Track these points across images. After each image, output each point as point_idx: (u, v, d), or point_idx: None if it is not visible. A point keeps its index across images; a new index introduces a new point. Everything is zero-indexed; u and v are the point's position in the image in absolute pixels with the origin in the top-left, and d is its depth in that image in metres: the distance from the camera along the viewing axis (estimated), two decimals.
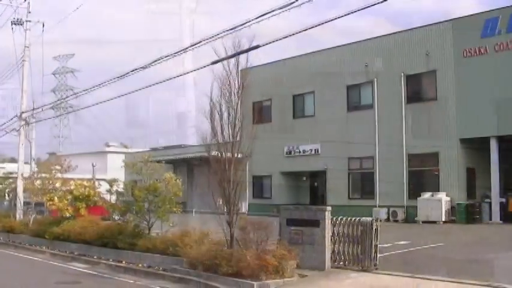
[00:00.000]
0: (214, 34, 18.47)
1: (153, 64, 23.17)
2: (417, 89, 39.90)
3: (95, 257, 22.05)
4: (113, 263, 20.68)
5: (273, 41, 18.28)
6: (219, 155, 16.50)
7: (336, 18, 16.79)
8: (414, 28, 40.58)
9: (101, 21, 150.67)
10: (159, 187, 21.29)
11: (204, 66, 19.16)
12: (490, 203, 36.08)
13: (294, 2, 16.17)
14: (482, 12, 37.62)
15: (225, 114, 16.63)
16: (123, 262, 20.23)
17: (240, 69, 16.68)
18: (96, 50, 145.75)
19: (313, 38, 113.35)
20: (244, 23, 17.58)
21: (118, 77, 25.79)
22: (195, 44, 20.25)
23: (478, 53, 36.45)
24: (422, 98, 39.53)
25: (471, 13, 39.35)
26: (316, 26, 17.51)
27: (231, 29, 17.86)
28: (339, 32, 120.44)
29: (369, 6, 15.67)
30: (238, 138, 16.63)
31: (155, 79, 24.70)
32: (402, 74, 39.87)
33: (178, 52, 21.52)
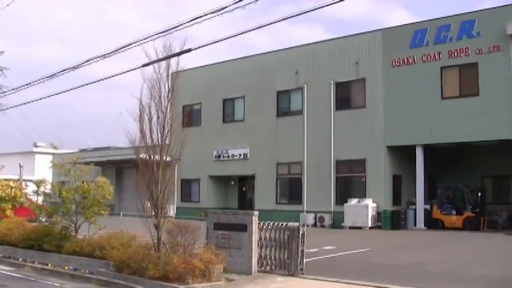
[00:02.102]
0: (146, 36, 18.38)
1: (83, 65, 22.89)
2: (346, 97, 40.34)
3: (20, 260, 21.67)
4: (38, 265, 20.35)
5: (205, 45, 18.28)
6: (148, 157, 16.42)
7: (268, 24, 16.91)
8: (345, 36, 41.06)
9: (35, 19, 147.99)
10: (88, 189, 21.06)
11: (135, 69, 19.03)
12: (415, 210, 36.80)
13: (226, 7, 16.20)
14: (411, 23, 38.49)
15: (155, 117, 16.57)
16: (49, 265, 19.93)
17: (170, 72, 16.64)
18: (29, 48, 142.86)
19: (251, 43, 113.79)
20: (176, 26, 17.54)
21: (48, 77, 25.38)
22: (126, 46, 20.09)
23: (406, 62, 37.19)
24: (351, 105, 40.01)
25: (401, 24, 40.12)
26: (247, 31, 17.60)
27: (163, 32, 17.80)
28: (275, 38, 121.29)
29: (302, 13, 15.82)
30: (167, 141, 16.58)
31: (86, 79, 24.49)
32: (332, 81, 40.31)
33: (109, 53, 21.31)
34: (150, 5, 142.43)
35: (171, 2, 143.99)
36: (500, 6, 35.01)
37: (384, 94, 38.01)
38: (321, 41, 42.58)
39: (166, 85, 16.54)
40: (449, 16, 36.27)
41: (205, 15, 16.83)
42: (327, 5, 15.26)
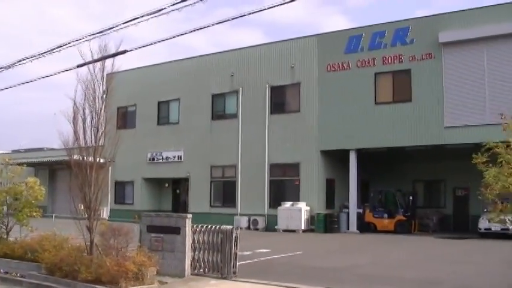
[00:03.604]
0: (82, 36, 18.19)
1: (17, 64, 22.54)
2: (281, 101, 40.58)
3: None
4: None
5: (141, 47, 18.25)
6: (81, 159, 16.23)
7: (206, 27, 16.93)
8: (281, 41, 41.32)
9: None
10: (20, 190, 20.72)
11: (70, 69, 18.84)
12: (348, 213, 37.23)
13: (162, 9, 16.17)
14: (346, 29, 38.93)
15: (88, 118, 16.36)
16: None
17: (105, 73, 16.49)
18: None
19: (189, 45, 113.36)
20: (112, 27, 17.42)
21: None
22: (62, 46, 19.87)
23: (341, 68, 37.60)
24: (285, 109, 40.25)
25: (336, 29, 40.58)
26: (183, 34, 17.58)
27: (99, 32, 17.65)
28: (215, 41, 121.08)
29: (239, 16, 15.88)
30: (101, 143, 16.42)
31: (22, 79, 24.10)
32: (267, 85, 40.49)
33: (44, 53, 21.04)
34: (91, 6, 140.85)
35: (113, 2, 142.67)
36: (433, 15, 35.77)
37: (318, 98, 38.35)
38: (257, 45, 42.73)
39: (101, 86, 16.37)
40: (384, 23, 36.86)
41: (142, 16, 16.78)
42: (265, 9, 15.37)
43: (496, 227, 28.57)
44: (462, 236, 33.63)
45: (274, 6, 15.05)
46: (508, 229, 9.50)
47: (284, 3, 14.89)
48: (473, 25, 33.61)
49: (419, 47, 35.11)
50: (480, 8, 34.18)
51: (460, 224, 39.15)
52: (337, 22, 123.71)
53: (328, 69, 38.14)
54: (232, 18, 16.48)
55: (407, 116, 35.22)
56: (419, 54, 35.06)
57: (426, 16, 36.41)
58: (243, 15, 16.08)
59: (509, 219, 10.17)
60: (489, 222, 27.20)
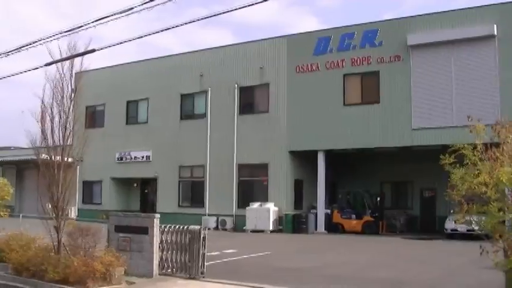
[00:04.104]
0: (51, 34, 18.08)
1: None
2: (250, 101, 40.65)
3: None
4: None
5: (110, 46, 18.16)
6: (49, 158, 16.13)
7: (175, 26, 16.91)
8: (250, 41, 41.42)
9: None
10: None
11: (38, 67, 18.71)
12: (316, 214, 37.35)
13: (132, 8, 16.12)
14: (315, 31, 39.10)
15: (57, 117, 16.26)
16: None
17: (74, 72, 16.39)
18: None
19: (160, 45, 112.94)
20: (81, 26, 17.33)
21: None
22: (31, 44, 19.73)
23: (310, 69, 37.75)
24: (254, 110, 40.32)
25: (306, 31, 40.74)
26: (153, 33, 17.55)
27: (68, 31, 17.55)
28: (185, 41, 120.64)
29: (210, 16, 15.89)
30: (69, 142, 16.32)
31: None
32: (236, 85, 40.50)
33: (12, 51, 20.89)
34: (63, 5, 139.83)
35: (85, 1, 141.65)
36: (401, 18, 36.19)
37: (287, 99, 38.46)
38: (227, 45, 42.75)
39: (70, 85, 16.28)
40: (353, 25, 37.12)
41: (112, 15, 16.72)
42: (235, 9, 15.39)
43: (462, 228, 28.81)
44: (429, 237, 33.89)
45: (245, 7, 15.07)
46: (473, 230, 9.65)
47: (255, 4, 14.92)
48: (441, 28, 33.97)
49: (387, 49, 35.36)
50: (447, 11, 34.60)
51: (427, 225, 39.43)
52: (307, 23, 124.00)
53: (297, 70, 38.26)
54: (202, 18, 16.50)
55: (375, 118, 35.46)
56: (387, 56, 35.32)
57: (395, 19, 36.77)
58: (213, 15, 16.11)
59: (474, 220, 10.30)
60: (455, 223, 27.51)
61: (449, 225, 32.32)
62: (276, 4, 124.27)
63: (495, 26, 32.34)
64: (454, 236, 31.84)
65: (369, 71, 35.99)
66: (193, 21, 16.76)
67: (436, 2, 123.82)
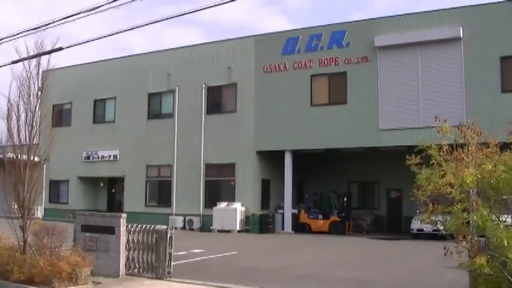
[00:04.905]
0: (18, 32, 17.93)
1: None
2: (218, 101, 40.63)
3: None
4: None
5: (77, 44, 18.06)
6: (15, 157, 16.01)
7: (142, 25, 16.87)
8: (218, 41, 41.39)
9: None
10: None
11: (4, 65, 18.56)
12: (283, 214, 37.45)
13: (100, 7, 16.05)
14: (284, 31, 39.17)
15: (23, 116, 16.15)
16: None
17: (41, 70, 16.29)
18: None
19: (129, 44, 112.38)
20: (48, 24, 17.22)
21: None
22: None
23: (277, 69, 37.83)
24: (222, 109, 40.30)
25: (274, 31, 40.86)
26: (121, 31, 17.49)
27: (35, 29, 17.43)
28: (154, 39, 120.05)
29: (179, 15, 15.86)
30: (35, 141, 16.21)
31: None
32: (204, 84, 40.46)
33: None
34: (30, 1, 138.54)
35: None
36: (369, 19, 36.36)
37: (254, 99, 38.52)
38: (194, 45, 42.70)
39: (36, 83, 16.18)
40: (321, 26, 37.29)
41: (79, 13, 16.63)
42: (204, 8, 15.39)
43: (428, 228, 29.00)
44: (395, 237, 34.13)
45: (215, 6, 15.08)
46: (439, 230, 9.74)
47: (223, 3, 14.93)
48: (408, 30, 34.32)
49: (355, 50, 35.58)
50: (415, 13, 34.88)
51: (394, 225, 39.69)
52: (277, 23, 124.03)
53: (265, 70, 38.34)
54: (171, 17, 16.48)
55: (342, 118, 35.67)
56: (355, 57, 35.53)
57: (362, 20, 37.00)
58: (181, 14, 16.08)
59: (439, 221, 10.39)
60: (421, 223, 27.70)
61: (415, 225, 32.56)
62: (247, 4, 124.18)
63: (461, 28, 32.71)
64: (420, 236, 32.07)
65: (336, 72, 36.17)
66: (161, 20, 16.73)
67: (404, 4, 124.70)
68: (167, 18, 16.50)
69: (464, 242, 9.83)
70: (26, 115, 16.13)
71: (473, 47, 32.52)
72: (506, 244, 8.74)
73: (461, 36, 32.68)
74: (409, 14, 35.05)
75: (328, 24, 37.11)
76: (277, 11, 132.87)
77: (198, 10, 15.60)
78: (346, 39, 35.91)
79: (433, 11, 34.46)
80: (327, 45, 36.46)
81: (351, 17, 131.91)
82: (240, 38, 40.41)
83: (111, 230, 16.48)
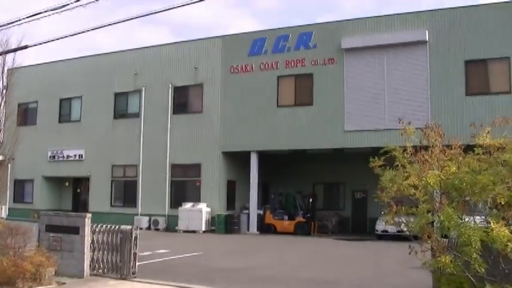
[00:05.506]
0: None
1: None
2: (184, 101, 40.54)
3: None
4: None
5: (42, 43, 17.92)
6: None
7: (109, 24, 16.82)
8: (185, 41, 41.35)
9: None
10: None
11: None
12: (249, 214, 37.48)
13: (66, 5, 15.97)
14: (251, 32, 39.23)
15: None
16: None
17: (6, 68, 16.17)
18: None
19: (97, 42, 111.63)
20: (12, 22, 17.10)
21: None
22: None
23: (244, 70, 37.87)
24: (188, 109, 40.21)
25: (241, 31, 40.90)
26: (87, 30, 17.42)
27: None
28: (122, 38, 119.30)
29: (147, 15, 15.85)
30: (0, 140, 16.10)
31: None
32: (170, 84, 40.36)
33: None
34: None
35: None
36: (336, 21, 36.57)
37: (221, 100, 38.53)
38: (162, 44, 42.56)
39: (1, 82, 16.08)
40: (288, 27, 37.45)
41: (45, 11, 16.53)
42: (174, 8, 15.39)
43: (392, 229, 29.29)
44: (360, 238, 34.34)
45: (183, 6, 15.08)
46: (402, 231, 9.83)
47: (191, 3, 14.94)
48: (375, 33, 34.59)
49: (322, 51, 35.75)
50: (382, 16, 35.24)
51: (359, 226, 39.95)
52: (246, 24, 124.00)
53: (232, 71, 38.36)
54: (137, 17, 16.45)
55: (308, 119, 35.79)
56: (321, 59, 35.71)
57: (329, 22, 37.15)
58: (149, 14, 16.06)
59: (403, 222, 10.51)
60: (385, 224, 28.01)
61: (380, 226, 32.80)
62: (216, 5, 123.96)
63: (427, 32, 33.05)
64: (385, 237, 32.31)
65: (302, 73, 36.31)
66: (128, 19, 16.70)
67: (371, 7, 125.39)
68: (133, 18, 16.48)
69: (428, 242, 9.94)
70: None
71: (438, 51, 32.90)
72: (472, 241, 8.85)
73: (427, 39, 33.02)
74: (376, 16, 35.38)
75: (296, 26, 37.25)
76: (247, 12, 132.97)
77: (165, 10, 15.60)
78: (313, 40, 36.06)
79: (399, 14, 34.77)
80: (294, 46, 36.59)
81: (322, 18, 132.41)
82: (207, 38, 40.39)
83: (75, 230, 16.39)
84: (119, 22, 17.09)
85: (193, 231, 36.51)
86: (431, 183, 9.84)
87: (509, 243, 8.68)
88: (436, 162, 10.43)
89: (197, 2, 14.94)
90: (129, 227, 16.87)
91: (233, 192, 39.36)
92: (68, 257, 16.28)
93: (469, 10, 33.03)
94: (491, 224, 9.03)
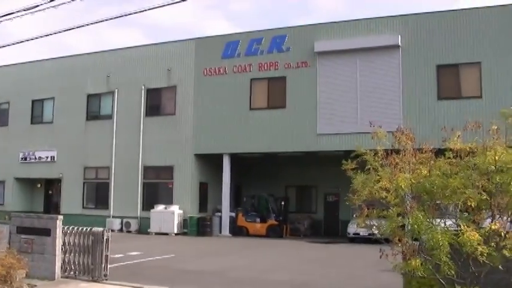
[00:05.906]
0: None
1: None
2: (157, 103, 40.49)
3: None
4: None
5: (13, 43, 17.85)
6: None
7: (81, 26, 16.78)
8: (159, 43, 41.37)
9: None
10: None
11: None
12: (221, 217, 37.53)
13: (38, 6, 15.91)
14: (224, 35, 39.20)
15: None
16: None
17: None
18: None
19: (71, 44, 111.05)
20: None
21: None
22: None
23: (217, 72, 37.91)
24: (161, 112, 40.19)
25: (215, 34, 40.92)
26: (60, 31, 17.37)
27: None
28: (97, 40, 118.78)
29: (120, 16, 15.83)
30: None
31: None
32: (143, 86, 40.30)
33: None
34: None
35: None
36: (309, 25, 36.81)
37: (194, 102, 38.53)
38: (135, 46, 42.43)
39: None
40: (262, 30, 37.56)
41: (18, 11, 16.46)
42: (148, 9, 15.40)
43: (363, 232, 29.54)
44: (332, 241, 34.48)
45: (158, 7, 15.08)
46: (374, 234, 9.91)
47: (166, 5, 14.95)
48: (348, 36, 34.83)
49: (295, 55, 35.89)
50: (355, 20, 35.42)
51: (331, 229, 40.09)
52: (220, 27, 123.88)
53: (205, 73, 38.38)
54: (111, 18, 16.42)
55: (281, 122, 35.90)
56: (294, 62, 35.84)
57: (303, 25, 37.27)
58: (124, 15, 16.05)
59: (375, 225, 10.56)
60: (357, 227, 28.13)
61: (352, 229, 32.94)
62: (191, 7, 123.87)
63: (399, 36, 33.32)
64: (356, 239, 32.51)
65: (276, 76, 36.41)
66: (101, 21, 16.68)
67: (344, 11, 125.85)
68: (106, 20, 16.44)
69: (399, 245, 10.00)
70: None
71: (410, 55, 33.19)
72: (441, 245, 8.92)
73: (400, 44, 33.30)
74: (349, 20, 35.56)
75: (269, 29, 37.35)
76: (221, 15, 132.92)
77: (140, 12, 15.59)
78: (286, 44, 36.19)
79: (372, 18, 35.03)
80: (267, 49, 36.69)
81: (295, 21, 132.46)
82: (181, 40, 40.35)
83: (47, 232, 16.31)
84: (91, 24, 17.08)
85: (166, 234, 36.47)
86: (402, 186, 9.90)
87: (478, 247, 8.77)
88: (408, 165, 10.50)
89: (169, 4, 14.95)
90: (100, 229, 16.81)
91: (205, 195, 39.37)
92: (39, 259, 16.20)
93: (441, 15, 33.34)
94: (462, 227, 9.11)
